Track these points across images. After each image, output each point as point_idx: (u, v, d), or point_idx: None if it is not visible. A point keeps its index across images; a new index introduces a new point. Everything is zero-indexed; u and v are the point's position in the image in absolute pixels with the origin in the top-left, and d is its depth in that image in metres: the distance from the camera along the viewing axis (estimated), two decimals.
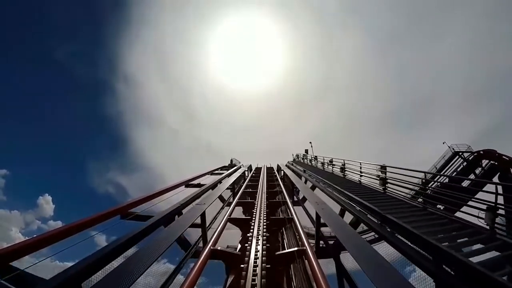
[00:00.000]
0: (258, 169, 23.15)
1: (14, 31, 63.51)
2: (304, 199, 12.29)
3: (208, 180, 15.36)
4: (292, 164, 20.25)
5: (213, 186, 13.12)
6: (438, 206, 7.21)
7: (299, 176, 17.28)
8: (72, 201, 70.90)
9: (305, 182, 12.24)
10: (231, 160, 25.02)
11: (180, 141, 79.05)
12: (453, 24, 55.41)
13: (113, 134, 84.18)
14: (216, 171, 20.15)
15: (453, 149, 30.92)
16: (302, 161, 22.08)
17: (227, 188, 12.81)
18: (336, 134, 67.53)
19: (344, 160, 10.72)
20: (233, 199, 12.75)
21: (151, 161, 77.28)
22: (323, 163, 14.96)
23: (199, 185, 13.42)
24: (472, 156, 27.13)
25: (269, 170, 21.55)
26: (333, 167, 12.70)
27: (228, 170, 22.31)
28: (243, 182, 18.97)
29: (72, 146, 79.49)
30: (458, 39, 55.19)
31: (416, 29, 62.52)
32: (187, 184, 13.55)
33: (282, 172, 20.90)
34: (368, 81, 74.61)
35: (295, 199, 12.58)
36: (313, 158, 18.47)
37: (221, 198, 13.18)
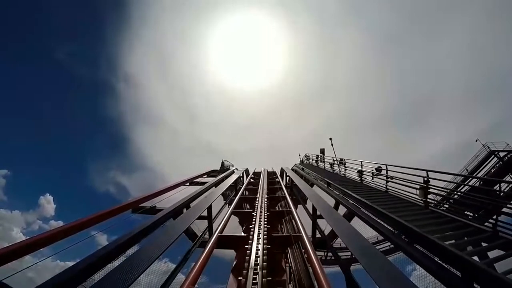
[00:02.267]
0: (257, 174, 17.76)
1: (15, 32, 61.50)
2: (334, 235, 6.94)
3: (180, 194, 10.25)
4: (303, 169, 14.80)
5: (177, 211, 7.69)
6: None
7: (309, 182, 11.94)
8: (73, 200, 68.34)
9: (336, 208, 6.85)
10: (222, 163, 19.59)
11: (180, 141, 75.79)
12: (453, 24, 53.03)
13: (113, 134, 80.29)
14: (198, 179, 14.74)
15: (489, 147, 26.39)
16: (315, 164, 16.78)
17: (200, 217, 7.39)
18: (337, 134, 66.58)
19: (427, 171, 5.26)
20: (209, 237, 7.39)
21: (151, 160, 72.49)
22: (360, 173, 9.20)
23: (152, 210, 8.07)
24: (509, 156, 23.73)
25: (271, 176, 16.11)
26: (387, 182, 7.09)
27: (217, 176, 16.93)
28: (235, 195, 13.60)
29: (73, 146, 76.04)
30: (459, 39, 52.86)
31: (416, 29, 60.18)
32: (135, 208, 8.28)
33: (288, 178, 15.51)
34: (368, 81, 71.31)
35: (318, 235, 7.21)
36: (336, 162, 12.75)
37: (190, 233, 7.83)
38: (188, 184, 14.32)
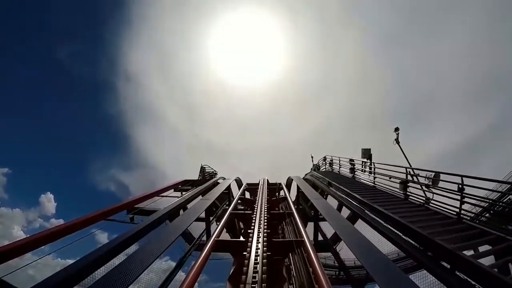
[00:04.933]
0: (253, 190, 11.60)
1: (15, 32, 60.30)
2: None
3: None
4: (330, 185, 8.31)
5: None
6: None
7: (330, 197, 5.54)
8: (74, 199, 67.36)
9: None
10: (202, 169, 13.34)
11: (181, 139, 74.13)
12: (453, 24, 51.84)
13: (114, 132, 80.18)
14: (147, 202, 8.48)
15: None
16: (351, 175, 9.65)
17: None
18: (337, 134, 64.62)
19: None
20: None
21: (152, 159, 72.32)
22: None
23: None
24: None
25: (273, 195, 9.90)
26: None
27: (190, 190, 10.74)
28: (206, 238, 7.38)
29: (74, 145, 75.07)
30: (458, 39, 51.70)
31: (416, 29, 59.04)
32: None
33: (301, 194, 9.30)
34: (368, 81, 69.56)
35: None
36: (417, 178, 5.75)
37: None
38: (128, 214, 8.04)
